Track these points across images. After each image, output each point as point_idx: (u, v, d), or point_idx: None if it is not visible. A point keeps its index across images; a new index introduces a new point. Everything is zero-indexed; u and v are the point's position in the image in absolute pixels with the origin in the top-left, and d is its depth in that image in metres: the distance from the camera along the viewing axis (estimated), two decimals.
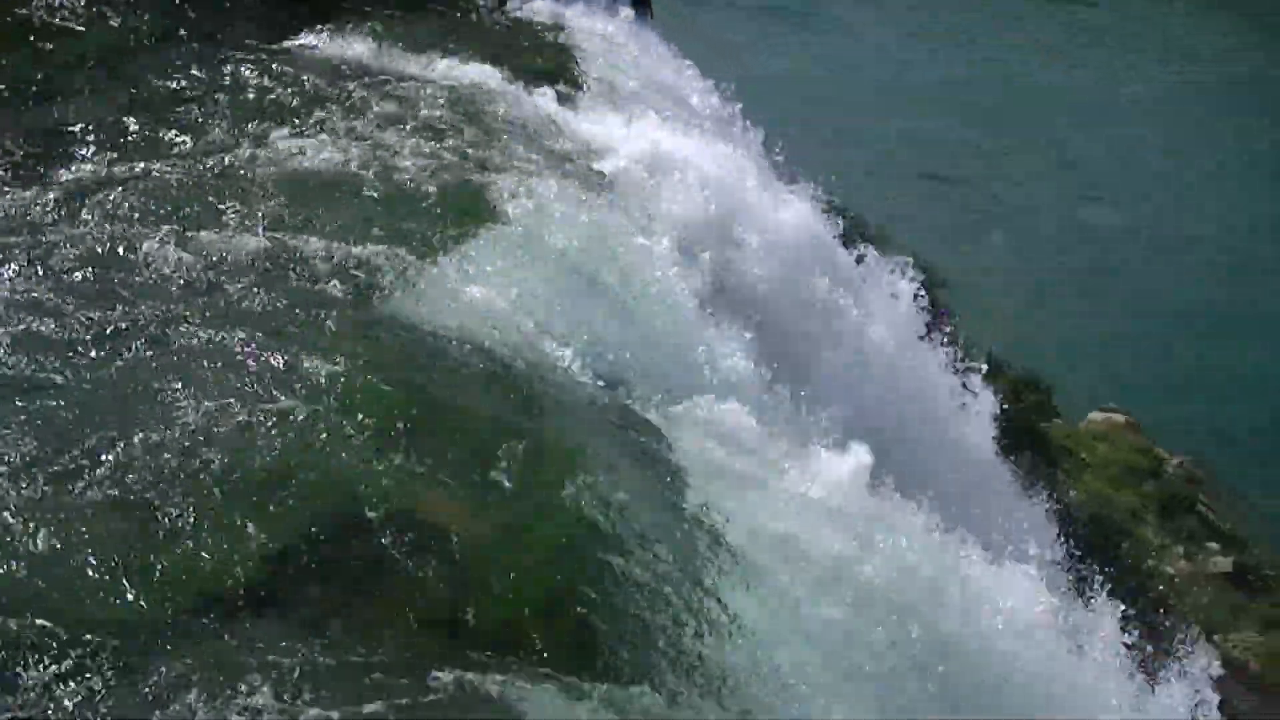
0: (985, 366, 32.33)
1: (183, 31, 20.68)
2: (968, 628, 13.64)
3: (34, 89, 18.52)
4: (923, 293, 25.83)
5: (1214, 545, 57.78)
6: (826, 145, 64.31)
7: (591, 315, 14.84)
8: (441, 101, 18.91)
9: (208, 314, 12.76)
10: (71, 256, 13.83)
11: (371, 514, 10.68)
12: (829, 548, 13.11)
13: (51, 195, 15.13)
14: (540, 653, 10.36)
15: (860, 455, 14.59)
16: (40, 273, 13.47)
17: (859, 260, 23.83)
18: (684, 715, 10.57)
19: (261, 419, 11.35)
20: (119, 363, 12.06)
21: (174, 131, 17.16)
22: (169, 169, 15.93)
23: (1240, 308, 77.79)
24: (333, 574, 10.25)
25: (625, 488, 12.38)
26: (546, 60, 23.43)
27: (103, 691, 8.64)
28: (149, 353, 12.26)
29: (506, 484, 11.73)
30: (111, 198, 15.11)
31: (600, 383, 14.17)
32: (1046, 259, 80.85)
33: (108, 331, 12.46)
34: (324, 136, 17.06)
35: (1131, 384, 66.94)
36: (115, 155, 16.34)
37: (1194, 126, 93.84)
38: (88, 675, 8.74)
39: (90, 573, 9.67)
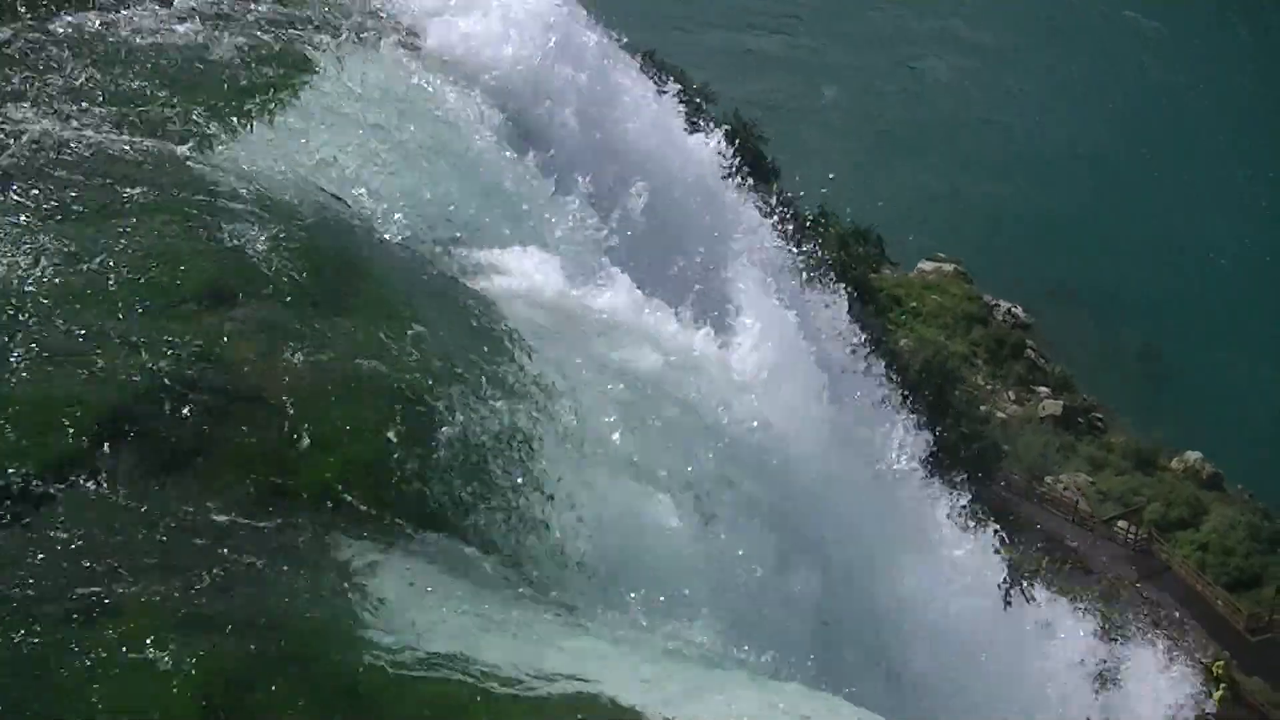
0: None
1: None
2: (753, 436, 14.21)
3: None
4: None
5: (1043, 389, 59.41)
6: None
7: (404, 173, 14.62)
8: None
9: (25, 184, 12.48)
10: None
11: (193, 377, 10.46)
12: (652, 396, 13.38)
13: None
14: (366, 507, 10.30)
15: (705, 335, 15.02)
16: None
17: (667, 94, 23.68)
18: (507, 566, 10.70)
19: (79, 283, 11.04)
20: None
21: None
22: None
23: (1065, 159, 79.40)
24: (158, 437, 10.04)
25: (447, 343, 12.34)
26: None
27: None
28: None
29: (327, 344, 11.55)
30: None
31: (417, 239, 14.08)
32: (878, 115, 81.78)
33: None
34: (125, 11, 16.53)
35: (961, 233, 68.28)
36: None
37: None
38: None
39: None
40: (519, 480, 11.46)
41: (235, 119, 14.21)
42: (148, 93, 14.39)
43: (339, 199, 13.65)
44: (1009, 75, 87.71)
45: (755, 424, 14.56)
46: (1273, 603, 46.20)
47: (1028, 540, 40.68)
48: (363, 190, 13.92)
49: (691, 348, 14.98)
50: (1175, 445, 54.64)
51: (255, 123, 14.27)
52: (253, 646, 8.46)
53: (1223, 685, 39.99)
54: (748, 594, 12.24)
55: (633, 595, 11.08)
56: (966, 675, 17.82)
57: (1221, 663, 41.93)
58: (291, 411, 10.60)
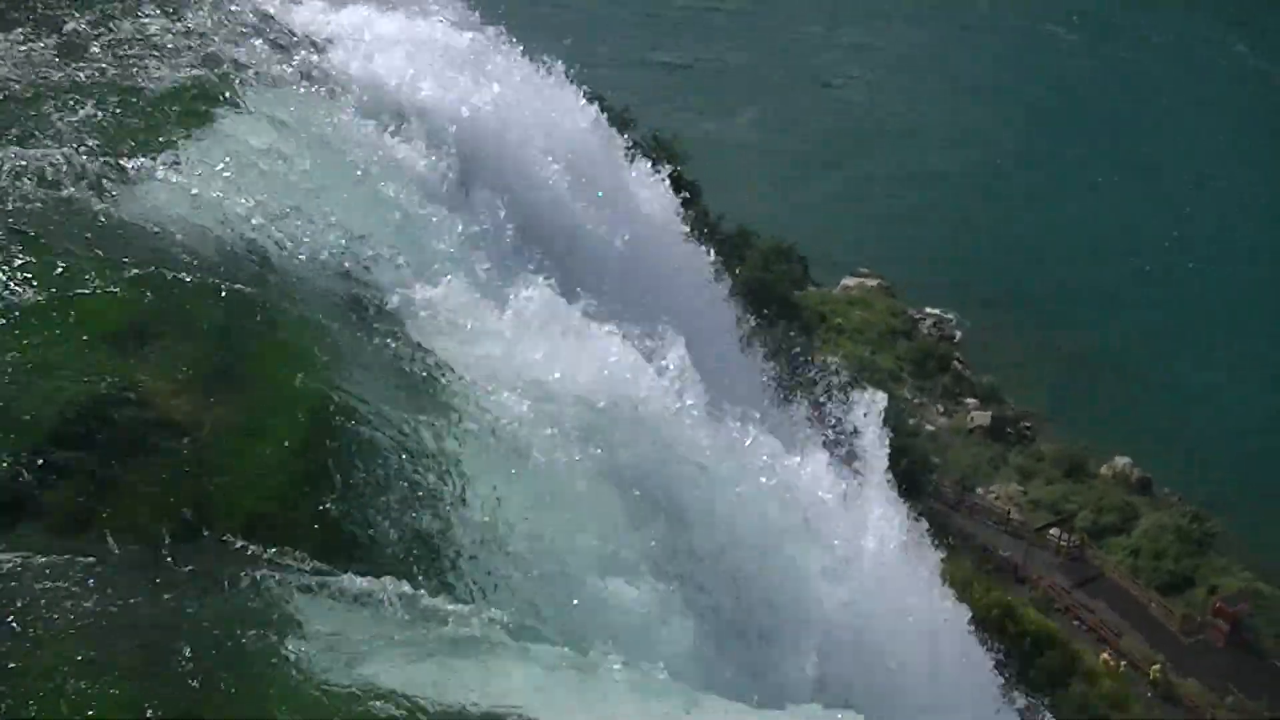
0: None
1: None
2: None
3: None
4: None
5: (971, 400, 59.75)
6: (572, 28, 64.49)
7: (314, 205, 14.55)
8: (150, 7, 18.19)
9: None
10: None
11: (112, 414, 10.45)
12: (573, 413, 13.32)
13: None
14: (283, 541, 10.25)
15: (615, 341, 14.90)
16: None
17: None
18: (431, 595, 10.53)
19: None
20: None
21: None
22: None
23: (985, 167, 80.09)
24: (76, 473, 9.99)
25: (362, 372, 12.35)
26: None
27: None
28: None
29: (242, 376, 11.60)
30: None
31: (329, 268, 14.04)
32: (796, 131, 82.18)
33: None
34: (31, 42, 16.33)
35: (884, 247, 68.64)
36: None
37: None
38: None
39: None
40: (439, 507, 11.41)
41: (143, 156, 14.07)
42: (56, 133, 14.27)
43: (249, 234, 13.59)
44: (925, 84, 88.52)
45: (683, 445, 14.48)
46: (1205, 604, 46.59)
47: (961, 551, 40.77)
48: (272, 224, 13.88)
49: (616, 363, 14.87)
50: (1104, 451, 55.04)
51: (163, 160, 14.12)
52: (173, 687, 8.37)
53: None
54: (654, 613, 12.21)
55: (551, 615, 11.09)
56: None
57: (1158, 666, 42.21)
58: (207, 447, 10.56)
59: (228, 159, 14.63)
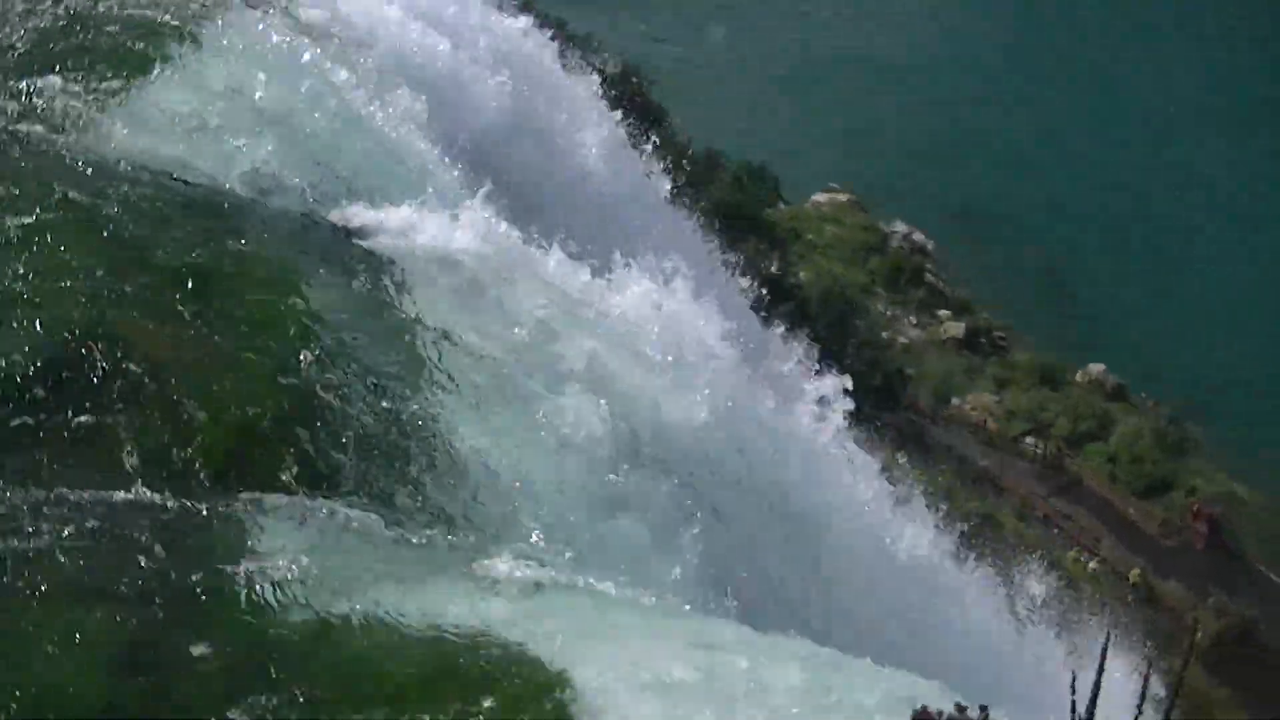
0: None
1: None
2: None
3: None
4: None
5: (944, 312, 59.63)
6: None
7: (280, 138, 14.54)
8: None
9: None
10: None
11: (87, 352, 10.46)
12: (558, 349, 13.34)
13: None
14: (263, 476, 10.30)
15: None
16: None
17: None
18: (411, 529, 10.62)
19: None
20: None
21: None
22: None
23: (952, 79, 79.70)
24: (52, 413, 10.05)
25: (337, 305, 12.33)
26: None
27: None
28: None
29: (218, 312, 11.55)
30: None
31: (299, 201, 14.05)
32: (765, 53, 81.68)
33: None
34: None
35: (855, 163, 68.27)
36: None
37: None
38: None
39: None
40: (417, 437, 11.42)
41: (108, 95, 14.13)
42: (19, 71, 14.32)
43: (213, 168, 13.65)
44: (895, 2, 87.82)
45: (657, 370, 14.49)
46: (1183, 508, 46.79)
47: (937, 462, 40.94)
48: (241, 157, 13.94)
49: (584, 294, 15.04)
50: (1078, 359, 55.00)
51: (129, 97, 14.21)
52: (160, 615, 8.46)
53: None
54: (643, 541, 12.20)
55: (533, 543, 10.99)
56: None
57: (1139, 571, 42.46)
58: (183, 385, 10.59)
59: (189, 93, 14.64)
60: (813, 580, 15.08)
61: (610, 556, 11.25)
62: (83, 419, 10.07)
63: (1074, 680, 4.61)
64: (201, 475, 10.09)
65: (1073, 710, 4.60)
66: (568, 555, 10.81)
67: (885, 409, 38.11)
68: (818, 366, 21.70)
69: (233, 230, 12.78)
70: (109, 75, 14.58)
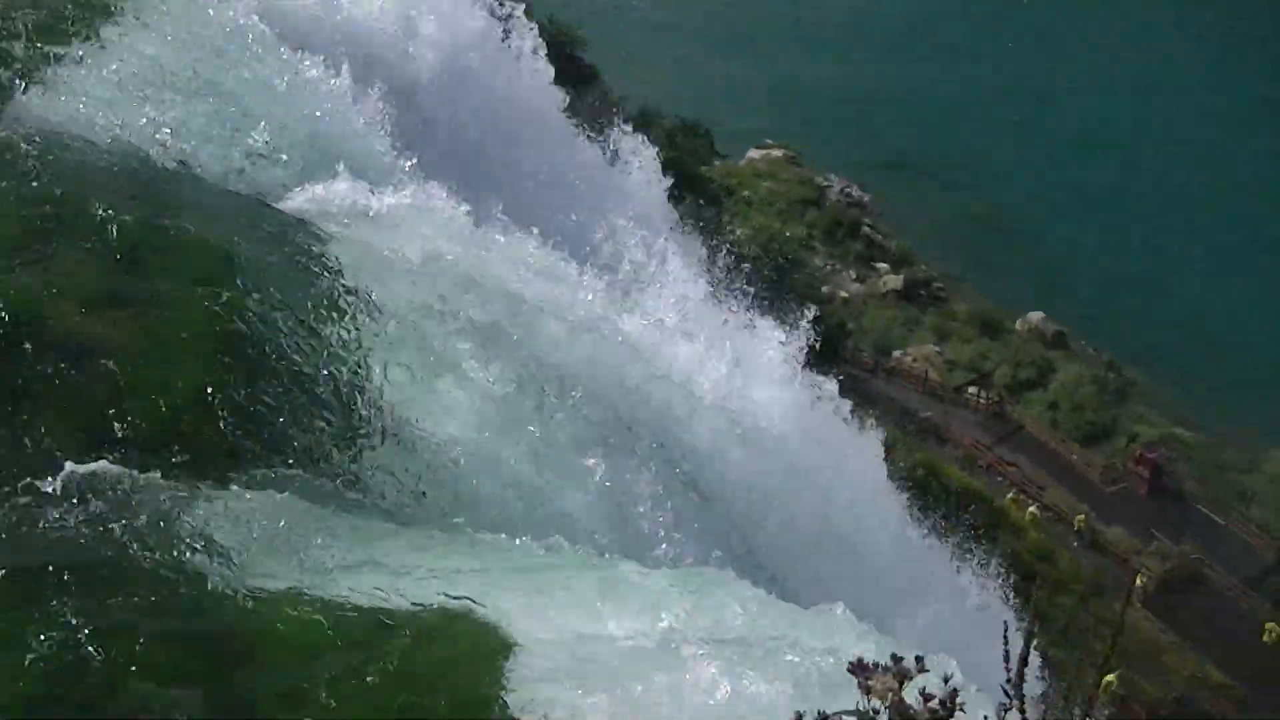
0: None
1: None
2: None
3: None
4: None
5: (883, 265, 59.79)
6: None
7: (210, 110, 14.48)
8: None
9: None
10: None
11: (16, 330, 10.37)
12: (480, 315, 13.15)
13: None
14: (194, 452, 10.18)
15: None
16: None
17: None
18: (349, 490, 10.65)
19: None
20: None
21: None
22: None
23: (889, 40, 79.82)
24: None
25: (269, 281, 12.16)
26: None
27: None
28: None
29: (147, 290, 11.42)
30: None
31: (230, 172, 13.95)
32: (696, 9, 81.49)
33: None
34: None
35: (789, 118, 68.26)
36: None
37: None
38: None
39: None
40: (352, 399, 11.42)
41: (30, 66, 13.96)
42: None
43: (143, 143, 13.49)
44: None
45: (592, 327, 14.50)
46: (1125, 454, 47.04)
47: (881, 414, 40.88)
48: (166, 130, 13.77)
49: (535, 263, 15.15)
50: (1018, 308, 55.19)
51: (54, 68, 14.05)
52: (113, 600, 8.38)
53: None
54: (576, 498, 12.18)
55: (469, 501, 11.12)
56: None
57: (1083, 516, 42.61)
58: (117, 363, 10.51)
59: (118, 67, 14.45)
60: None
61: (546, 512, 11.29)
62: (13, 394, 10.00)
63: (1005, 641, 4.57)
64: (132, 449, 9.95)
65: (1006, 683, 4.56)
66: (504, 512, 10.81)
67: (827, 363, 37.89)
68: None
69: (162, 206, 12.60)
70: (31, 48, 14.36)
